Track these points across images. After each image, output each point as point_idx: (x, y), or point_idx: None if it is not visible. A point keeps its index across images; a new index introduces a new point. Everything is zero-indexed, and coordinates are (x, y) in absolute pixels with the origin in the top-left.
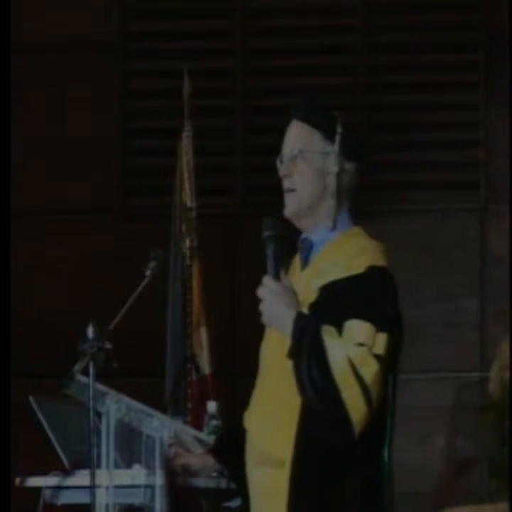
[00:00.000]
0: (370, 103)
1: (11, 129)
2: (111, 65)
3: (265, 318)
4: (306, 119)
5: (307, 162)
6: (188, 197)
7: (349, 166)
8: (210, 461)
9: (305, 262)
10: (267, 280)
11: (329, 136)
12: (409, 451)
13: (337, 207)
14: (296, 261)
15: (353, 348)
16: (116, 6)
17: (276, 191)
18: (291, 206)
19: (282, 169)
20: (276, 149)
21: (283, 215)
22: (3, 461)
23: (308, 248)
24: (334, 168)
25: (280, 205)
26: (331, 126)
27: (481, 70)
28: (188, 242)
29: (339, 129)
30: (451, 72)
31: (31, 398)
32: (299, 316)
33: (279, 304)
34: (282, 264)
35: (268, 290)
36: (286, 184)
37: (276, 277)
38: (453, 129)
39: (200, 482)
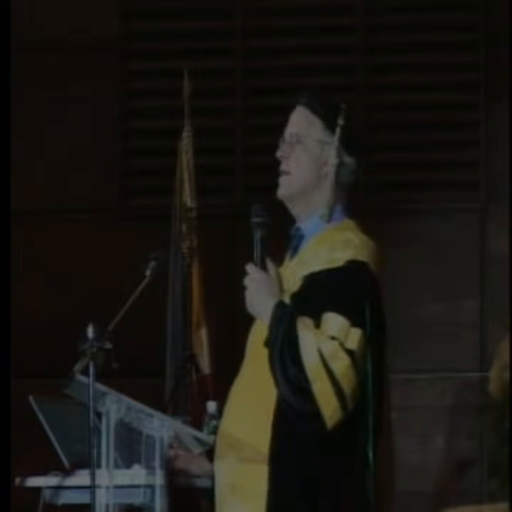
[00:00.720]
0: (370, 103)
1: (11, 128)
2: (111, 65)
3: (247, 307)
4: (309, 106)
5: (305, 148)
6: (188, 197)
7: (348, 160)
8: (208, 466)
9: (294, 252)
10: (250, 268)
11: (330, 126)
12: (409, 451)
13: (333, 199)
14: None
15: (325, 341)
16: (116, 5)
17: (276, 191)
18: (283, 188)
19: (280, 151)
20: (276, 149)
21: (277, 197)
22: (3, 461)
23: (299, 238)
24: (334, 160)
25: (280, 205)
26: (333, 117)
27: (481, 70)
28: (188, 242)
29: (341, 121)
30: (451, 72)
31: (31, 398)
32: (278, 306)
33: (259, 292)
34: (268, 251)
35: (250, 278)
36: (282, 166)
37: (262, 264)
38: (453, 129)
39: (200, 482)
